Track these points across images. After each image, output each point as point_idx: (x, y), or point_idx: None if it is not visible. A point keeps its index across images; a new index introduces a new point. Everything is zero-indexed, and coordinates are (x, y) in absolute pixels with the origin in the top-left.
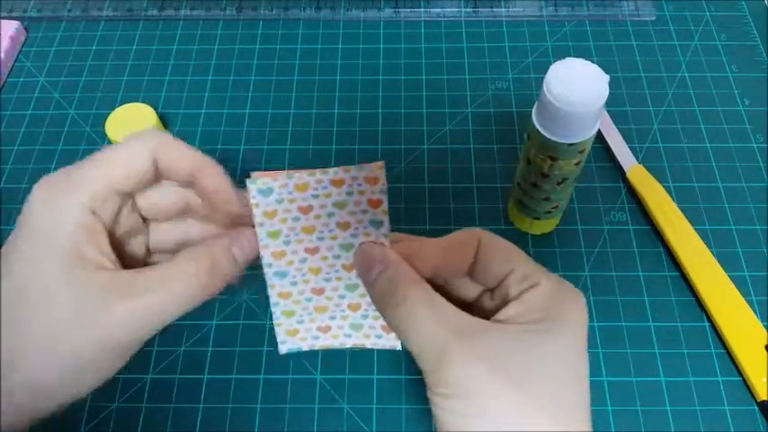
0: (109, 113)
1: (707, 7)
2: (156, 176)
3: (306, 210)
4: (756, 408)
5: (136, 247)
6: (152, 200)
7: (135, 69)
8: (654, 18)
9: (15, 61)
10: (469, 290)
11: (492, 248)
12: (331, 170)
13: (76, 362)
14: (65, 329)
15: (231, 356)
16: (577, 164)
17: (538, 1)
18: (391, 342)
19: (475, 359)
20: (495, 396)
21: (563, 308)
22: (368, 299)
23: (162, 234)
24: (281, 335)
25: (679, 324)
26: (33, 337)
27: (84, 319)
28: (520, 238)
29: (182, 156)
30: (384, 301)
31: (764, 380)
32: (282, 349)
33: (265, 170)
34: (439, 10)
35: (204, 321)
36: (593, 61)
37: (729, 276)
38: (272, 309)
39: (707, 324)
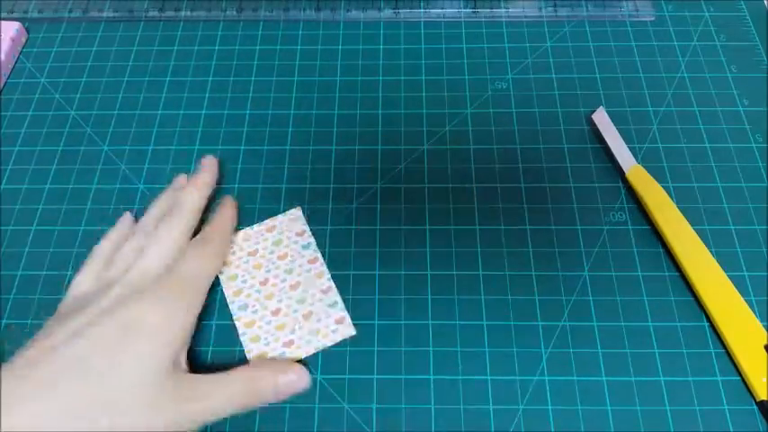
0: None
1: (706, 8)
2: None
3: (253, 253)
4: (756, 408)
5: None
6: None
7: (135, 70)
8: (653, 18)
9: (16, 62)
10: None
11: None
12: (264, 222)
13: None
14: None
15: (231, 356)
16: None
17: (537, 1)
18: (348, 330)
19: None
20: None
21: None
22: (317, 305)
23: None
24: (254, 352)
25: (678, 324)
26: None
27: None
28: (519, 238)
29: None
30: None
31: (764, 380)
32: None
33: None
34: (439, 11)
35: (205, 321)
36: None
37: (729, 276)
38: (241, 339)
39: (706, 324)
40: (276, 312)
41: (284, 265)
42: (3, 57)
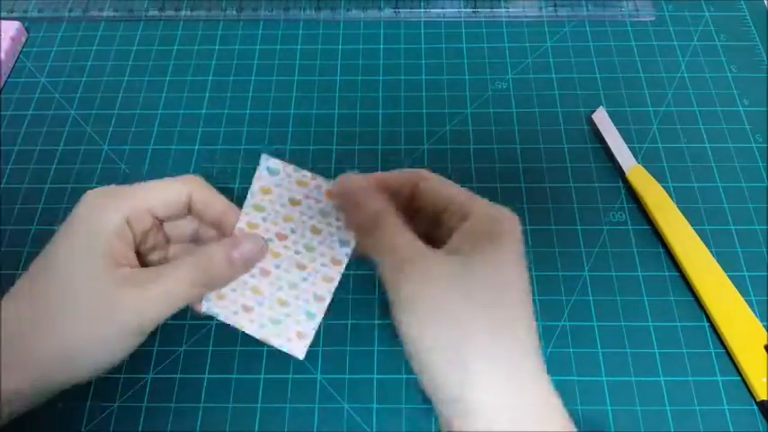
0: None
1: (706, 8)
2: (187, 212)
3: (296, 203)
4: (756, 407)
5: (156, 258)
6: (177, 224)
7: (135, 70)
8: (653, 18)
9: (16, 62)
10: (420, 226)
11: (430, 185)
12: (331, 181)
13: (98, 338)
14: (89, 312)
15: (231, 356)
16: None
17: (537, 1)
18: (299, 349)
19: (423, 279)
20: (439, 308)
21: (493, 233)
22: (298, 300)
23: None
24: (211, 293)
25: (678, 324)
26: (66, 318)
27: (103, 303)
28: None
29: (213, 202)
30: (363, 227)
31: (764, 380)
32: (203, 306)
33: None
34: (439, 10)
35: (205, 321)
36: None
37: (729, 276)
38: None
39: (706, 324)
40: (265, 273)
41: (310, 240)
42: (3, 56)
